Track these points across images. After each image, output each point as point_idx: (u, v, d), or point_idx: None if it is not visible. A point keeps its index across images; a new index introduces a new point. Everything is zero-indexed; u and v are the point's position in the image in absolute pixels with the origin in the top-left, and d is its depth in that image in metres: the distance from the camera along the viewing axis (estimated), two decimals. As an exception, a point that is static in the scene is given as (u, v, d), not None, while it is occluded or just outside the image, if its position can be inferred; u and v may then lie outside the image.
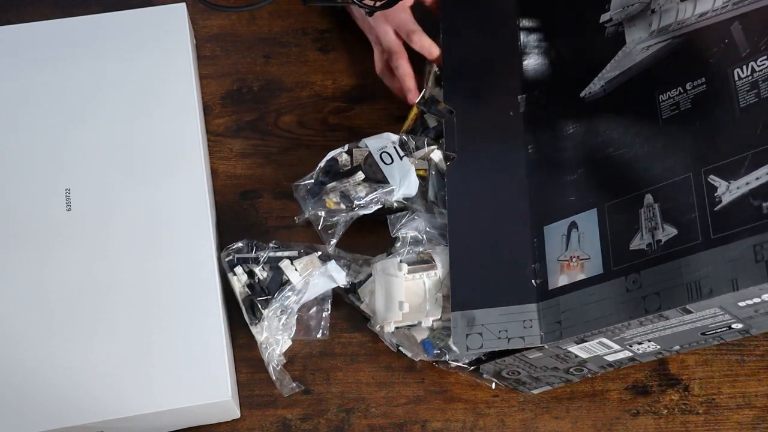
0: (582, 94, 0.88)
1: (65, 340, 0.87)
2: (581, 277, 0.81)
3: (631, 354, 0.82)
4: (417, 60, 1.01)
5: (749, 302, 0.72)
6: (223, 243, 0.97)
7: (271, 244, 0.93)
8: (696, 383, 0.91)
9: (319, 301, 0.92)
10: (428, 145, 0.95)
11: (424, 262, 0.91)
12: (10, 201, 0.93)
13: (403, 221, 0.92)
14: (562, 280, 0.82)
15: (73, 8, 1.10)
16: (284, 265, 0.91)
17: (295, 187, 0.94)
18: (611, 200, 0.82)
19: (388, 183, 0.93)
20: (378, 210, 0.93)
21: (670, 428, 0.89)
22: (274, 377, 0.89)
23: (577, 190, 0.85)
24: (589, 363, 0.84)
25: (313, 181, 0.94)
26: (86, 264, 0.90)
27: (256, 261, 0.92)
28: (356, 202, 0.92)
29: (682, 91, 0.81)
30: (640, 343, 0.80)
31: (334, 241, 0.92)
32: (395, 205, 0.94)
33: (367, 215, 0.93)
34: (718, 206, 0.74)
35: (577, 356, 0.82)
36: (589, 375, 0.86)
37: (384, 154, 0.94)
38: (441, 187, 0.94)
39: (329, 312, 0.92)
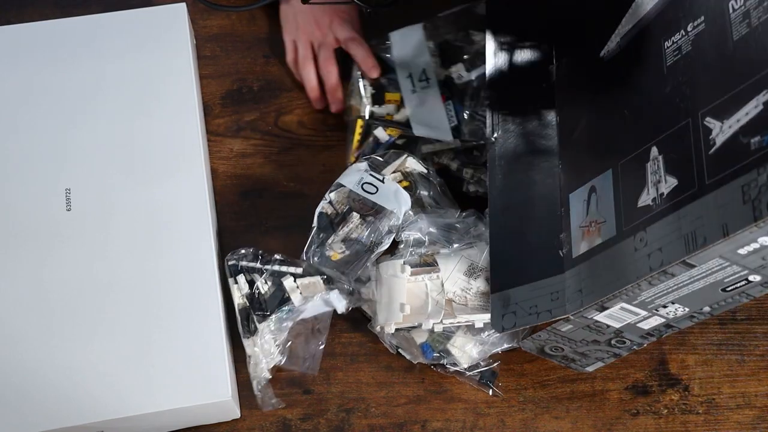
0: (601, 54, 0.86)
1: (65, 340, 0.87)
2: (598, 241, 0.79)
3: (663, 320, 0.80)
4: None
5: (749, 249, 0.69)
6: (223, 243, 0.97)
7: (276, 256, 0.92)
8: (696, 383, 0.91)
9: (316, 332, 0.91)
10: (397, 156, 0.95)
11: (427, 265, 0.91)
12: (10, 201, 0.93)
13: (406, 222, 0.92)
14: (583, 247, 0.81)
15: (73, 8, 1.10)
16: (287, 283, 0.90)
17: (306, 257, 0.93)
18: (623, 159, 0.80)
19: (384, 209, 0.92)
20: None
21: (670, 428, 0.89)
22: (256, 391, 0.89)
23: (596, 153, 0.84)
24: (626, 333, 0.82)
25: (315, 244, 0.92)
26: (86, 264, 0.90)
27: (260, 272, 0.91)
28: (371, 239, 0.91)
29: (684, 33, 0.78)
30: (665, 307, 0.78)
31: (353, 278, 0.91)
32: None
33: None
34: (713, 149, 0.71)
35: (608, 326, 0.81)
36: (636, 347, 0.84)
37: (365, 185, 0.93)
38: (429, 188, 0.94)
39: (323, 346, 0.91)
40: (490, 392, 0.91)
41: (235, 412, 0.89)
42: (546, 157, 0.88)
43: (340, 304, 0.91)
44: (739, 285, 0.74)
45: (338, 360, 0.93)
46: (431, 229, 0.92)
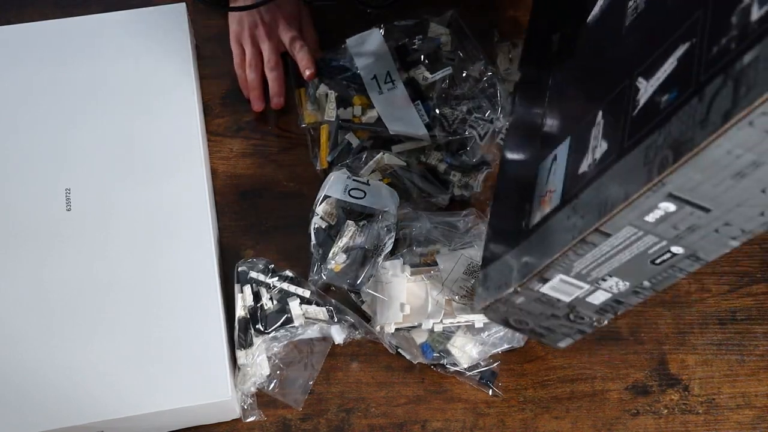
0: (588, 20, 0.85)
1: (65, 340, 0.87)
2: (547, 211, 0.78)
3: (609, 294, 0.79)
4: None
5: (655, 216, 0.67)
6: (223, 243, 0.97)
7: (288, 273, 0.92)
8: (696, 383, 0.91)
9: (309, 366, 0.91)
10: (373, 156, 0.95)
11: (427, 265, 0.91)
12: (10, 201, 0.93)
13: (405, 221, 0.92)
14: (537, 218, 0.80)
15: (73, 8, 1.10)
16: (293, 306, 0.90)
17: (312, 280, 0.93)
18: (578, 125, 0.78)
19: (376, 210, 0.92)
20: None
21: (670, 428, 0.89)
22: (239, 401, 0.89)
23: (563, 122, 0.82)
24: (580, 308, 0.81)
25: (318, 262, 0.92)
26: (86, 264, 0.90)
27: (267, 287, 0.91)
28: (373, 243, 0.91)
29: None
30: (605, 280, 0.77)
31: (361, 284, 0.92)
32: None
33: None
34: (635, 111, 0.70)
35: (558, 300, 0.80)
36: (597, 324, 0.83)
37: (352, 192, 0.93)
38: (412, 179, 0.95)
39: (313, 382, 0.91)
40: (490, 392, 0.91)
41: (235, 412, 0.89)
42: (534, 132, 0.87)
43: (339, 337, 0.91)
44: (666, 257, 0.72)
45: (338, 360, 0.93)
46: (431, 228, 0.92)
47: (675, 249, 0.71)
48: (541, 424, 0.90)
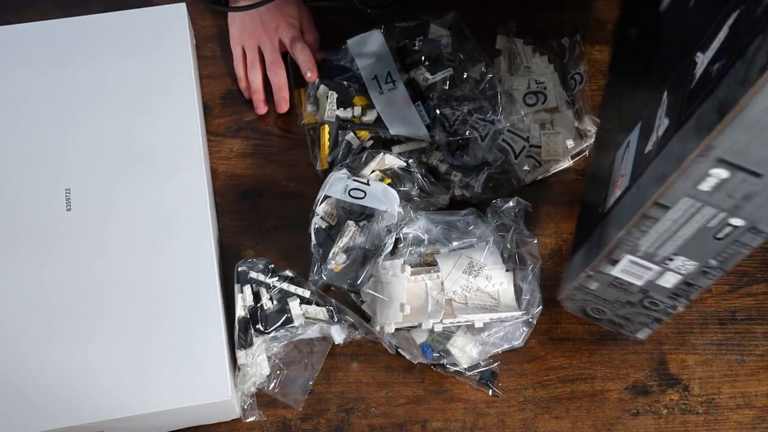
0: (661, 8, 0.86)
1: (65, 340, 0.87)
2: (618, 194, 0.79)
3: (679, 276, 0.79)
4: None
5: (710, 184, 0.67)
6: (223, 243, 0.97)
7: (287, 273, 0.92)
8: (696, 383, 0.91)
9: (309, 366, 0.91)
10: (373, 156, 0.95)
11: (427, 265, 0.91)
12: (10, 201, 0.93)
13: (405, 221, 0.93)
14: (610, 202, 0.81)
15: (73, 8, 1.10)
16: (293, 306, 0.90)
17: (312, 280, 0.93)
18: (647, 107, 0.79)
19: (376, 210, 0.93)
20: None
21: (670, 428, 0.89)
22: (239, 401, 0.89)
23: (637, 108, 0.83)
24: (653, 292, 0.81)
25: (318, 262, 0.92)
26: (86, 264, 0.90)
27: (267, 287, 0.91)
28: (373, 243, 0.92)
29: None
30: (671, 260, 0.77)
31: (361, 284, 0.92)
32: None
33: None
34: (692, 84, 0.70)
35: (631, 283, 0.81)
36: (671, 310, 0.83)
37: (352, 192, 0.93)
38: (413, 179, 0.95)
39: (312, 382, 0.91)
40: (490, 392, 0.91)
41: (234, 412, 0.89)
42: (615, 127, 0.88)
43: (339, 337, 0.91)
44: (727, 231, 0.72)
45: (338, 360, 0.93)
46: (431, 228, 0.92)
47: (734, 221, 0.71)
48: (541, 424, 0.90)
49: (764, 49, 0.59)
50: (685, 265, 0.77)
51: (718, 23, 0.69)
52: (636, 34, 0.91)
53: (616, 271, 0.80)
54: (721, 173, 0.66)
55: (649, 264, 0.78)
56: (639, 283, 0.80)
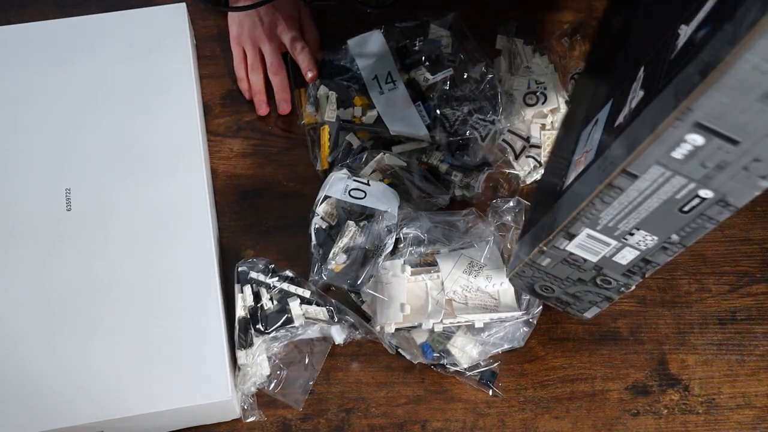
0: None
1: (65, 340, 0.87)
2: (581, 170, 0.78)
3: (637, 252, 0.77)
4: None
5: (683, 152, 0.65)
6: (223, 243, 0.97)
7: (288, 273, 0.92)
8: (696, 383, 0.91)
9: (309, 366, 0.91)
10: (373, 156, 0.95)
11: (427, 265, 0.91)
12: (10, 201, 0.93)
13: (405, 221, 0.93)
14: (571, 178, 0.79)
15: (73, 8, 1.10)
16: (294, 306, 0.90)
17: (312, 280, 0.93)
18: (621, 86, 0.78)
19: (377, 211, 0.93)
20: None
21: (670, 428, 0.89)
22: (239, 401, 0.89)
23: (608, 87, 0.82)
24: (607, 270, 0.80)
25: (318, 262, 0.93)
26: (86, 264, 0.90)
27: (267, 287, 0.91)
28: (374, 243, 0.92)
29: None
30: (632, 234, 0.74)
31: (361, 284, 0.92)
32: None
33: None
34: (674, 54, 0.68)
35: (585, 260, 0.79)
36: (624, 289, 0.81)
37: (352, 192, 0.93)
38: (412, 179, 0.95)
39: (313, 382, 0.91)
40: (490, 392, 0.91)
41: (235, 412, 0.89)
42: (581, 110, 0.87)
43: (339, 337, 0.91)
44: (695, 204, 0.70)
45: (338, 360, 0.93)
46: (431, 228, 0.92)
47: (704, 192, 0.69)
48: (541, 424, 0.90)
49: (755, 5, 0.57)
50: (645, 240, 0.75)
51: None
52: (618, 24, 0.91)
53: (571, 246, 0.78)
54: (697, 139, 0.64)
55: (607, 239, 0.76)
56: (594, 259, 0.79)
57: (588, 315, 0.86)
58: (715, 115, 0.62)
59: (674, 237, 0.75)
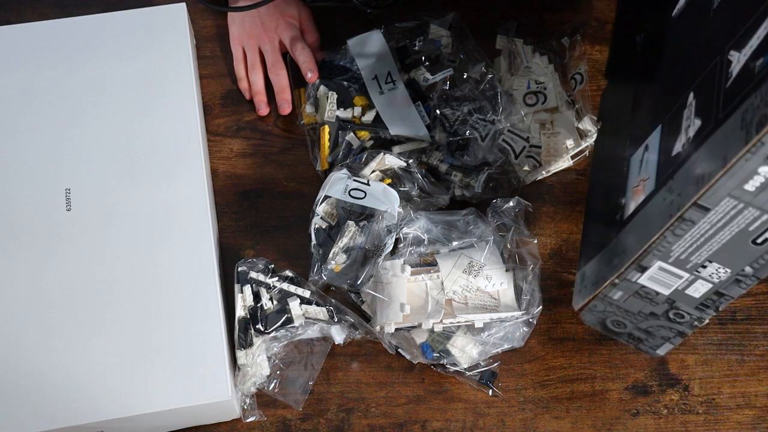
0: (673, 14, 0.85)
1: (65, 340, 0.87)
2: (642, 198, 0.76)
3: (710, 285, 0.76)
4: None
5: (755, 184, 0.65)
6: (223, 243, 0.97)
7: (287, 273, 0.92)
8: (696, 383, 0.91)
9: (309, 366, 0.91)
10: (373, 156, 0.95)
11: (427, 265, 0.91)
12: (10, 201, 0.93)
13: (405, 221, 0.93)
14: (632, 207, 0.78)
15: (73, 8, 1.10)
16: (294, 306, 0.90)
17: (312, 280, 0.93)
18: (670, 112, 0.77)
19: (376, 211, 0.93)
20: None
21: (670, 428, 0.89)
22: (239, 401, 0.89)
23: (653, 112, 0.81)
24: (680, 303, 0.78)
25: (318, 262, 0.92)
26: (86, 264, 0.90)
27: (267, 287, 0.91)
28: (373, 243, 0.92)
29: None
30: (704, 267, 0.74)
31: (360, 284, 0.92)
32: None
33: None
34: (729, 82, 0.68)
35: (657, 293, 0.78)
36: (697, 323, 0.80)
37: (352, 192, 0.93)
38: (413, 179, 0.95)
39: (313, 383, 0.91)
40: (490, 392, 0.91)
41: (235, 412, 0.89)
42: (623, 132, 0.87)
43: (339, 337, 0.91)
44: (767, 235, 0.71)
45: (338, 360, 0.92)
46: (431, 228, 0.92)
47: None
48: (541, 424, 0.90)
49: None
50: (718, 272, 0.75)
51: (756, 20, 0.67)
52: (642, 41, 0.91)
53: (643, 279, 0.77)
54: None
55: (679, 271, 0.76)
56: (666, 292, 0.78)
57: (660, 352, 0.85)
58: None
59: (748, 269, 0.74)
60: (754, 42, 0.67)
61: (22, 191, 0.94)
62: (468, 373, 0.90)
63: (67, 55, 1.01)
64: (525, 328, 0.90)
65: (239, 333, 0.89)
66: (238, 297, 0.91)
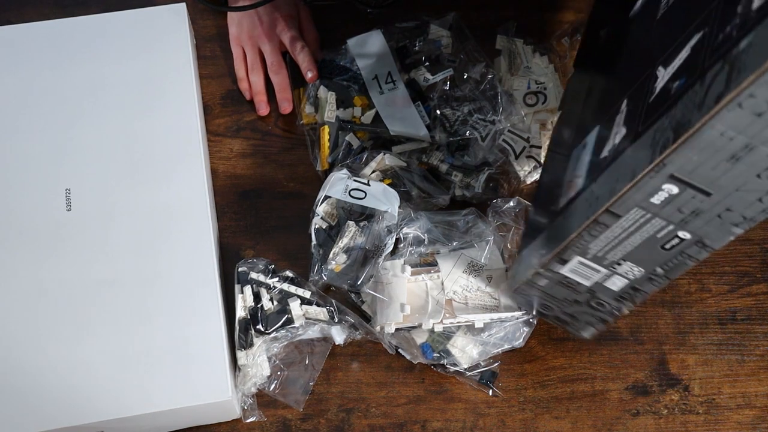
0: (630, 14, 0.86)
1: (65, 340, 0.87)
2: (572, 194, 0.80)
3: (626, 280, 0.80)
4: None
5: (660, 198, 0.69)
6: (223, 243, 0.97)
7: (288, 273, 0.92)
8: (696, 383, 0.91)
9: (309, 367, 0.91)
10: (374, 157, 0.95)
11: (427, 265, 0.91)
12: (10, 201, 0.93)
13: (405, 221, 0.93)
14: (563, 202, 0.82)
15: (73, 8, 1.10)
16: (294, 307, 0.90)
17: (312, 280, 0.93)
18: (607, 113, 0.80)
19: (377, 211, 0.93)
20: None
21: (670, 428, 0.89)
22: (239, 401, 0.89)
23: (596, 111, 0.84)
24: (600, 294, 0.82)
25: (318, 262, 0.93)
26: (86, 264, 0.90)
27: (267, 287, 0.91)
28: (374, 243, 0.92)
29: None
30: (620, 264, 0.78)
31: (361, 284, 0.92)
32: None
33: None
34: (652, 97, 0.72)
35: (579, 283, 0.81)
36: (617, 312, 0.84)
37: (352, 192, 0.93)
38: (413, 179, 0.96)
39: (313, 383, 0.91)
40: (490, 392, 0.91)
41: (235, 412, 0.89)
42: (574, 123, 0.89)
43: (339, 338, 0.91)
44: (674, 243, 0.74)
45: (338, 360, 0.93)
46: (431, 228, 0.92)
47: (682, 234, 0.72)
48: (541, 424, 0.90)
49: (722, 76, 0.60)
50: (632, 270, 0.78)
51: (681, 41, 0.70)
52: (604, 36, 0.92)
53: (565, 270, 0.80)
54: (673, 189, 0.67)
55: (597, 266, 0.79)
56: (587, 283, 0.81)
57: (585, 334, 0.88)
58: (688, 170, 0.65)
59: (659, 270, 0.78)
60: (676, 63, 0.69)
61: (22, 191, 0.94)
62: (468, 373, 0.90)
63: (67, 55, 1.01)
64: (525, 328, 0.91)
65: (239, 333, 0.89)
66: (239, 297, 0.91)
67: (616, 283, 0.80)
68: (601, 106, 0.84)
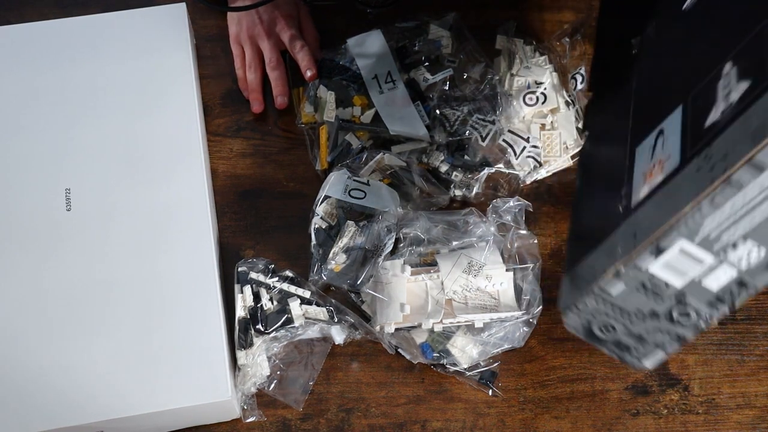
0: (683, 7, 0.81)
1: (65, 340, 0.87)
2: (660, 179, 0.70)
3: (733, 273, 0.68)
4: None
5: None
6: (223, 243, 0.97)
7: (288, 273, 0.92)
8: (696, 383, 0.91)
9: (309, 366, 0.91)
10: (373, 156, 0.95)
11: (427, 265, 0.91)
12: (11, 201, 0.93)
13: (405, 221, 0.93)
14: (644, 192, 0.72)
15: (73, 8, 1.10)
16: (294, 307, 0.90)
17: (312, 280, 0.93)
18: (695, 89, 0.71)
19: (376, 210, 0.93)
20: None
21: (670, 428, 0.90)
22: (239, 401, 0.89)
23: (667, 97, 0.76)
24: (691, 297, 0.71)
25: (318, 262, 0.92)
26: (86, 264, 0.90)
27: (267, 287, 0.91)
28: (373, 243, 0.92)
29: None
30: (735, 247, 0.66)
31: (360, 284, 0.92)
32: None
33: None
34: None
35: (668, 285, 0.70)
36: (703, 324, 0.72)
37: (352, 192, 0.93)
38: (412, 179, 0.95)
39: (313, 383, 0.91)
40: (490, 392, 0.91)
41: (235, 412, 0.89)
42: (620, 130, 0.82)
43: (339, 337, 0.91)
44: None
45: (338, 360, 0.93)
46: (431, 228, 0.92)
47: None
48: (541, 424, 0.90)
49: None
50: (749, 255, 0.67)
51: None
52: (638, 43, 0.89)
53: (656, 266, 0.69)
54: None
55: (703, 254, 0.68)
56: (679, 284, 0.70)
57: (647, 364, 0.78)
58: None
59: None
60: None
61: (22, 191, 0.94)
62: (468, 373, 0.90)
63: (67, 55, 1.01)
64: (525, 328, 0.91)
65: (239, 333, 0.89)
66: (238, 297, 0.91)
67: (720, 278, 0.69)
68: (676, 88, 0.75)
